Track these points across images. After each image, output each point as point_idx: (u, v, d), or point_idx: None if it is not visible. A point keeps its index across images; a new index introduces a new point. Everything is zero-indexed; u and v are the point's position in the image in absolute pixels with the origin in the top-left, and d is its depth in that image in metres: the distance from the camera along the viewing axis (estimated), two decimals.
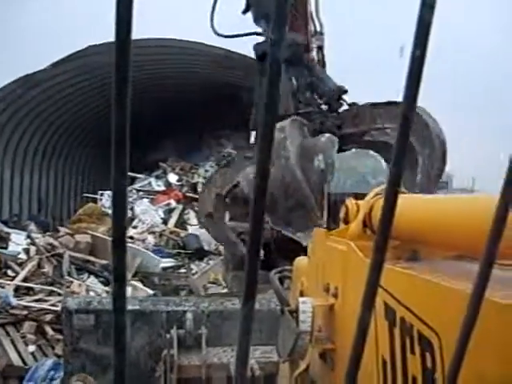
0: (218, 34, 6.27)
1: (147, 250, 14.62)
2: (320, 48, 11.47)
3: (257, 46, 6.64)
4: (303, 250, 3.28)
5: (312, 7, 10.80)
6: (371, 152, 11.58)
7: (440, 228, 1.86)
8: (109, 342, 4.92)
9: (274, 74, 0.56)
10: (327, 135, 6.32)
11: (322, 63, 11.63)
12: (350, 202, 2.60)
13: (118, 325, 0.66)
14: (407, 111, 0.58)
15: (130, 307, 4.95)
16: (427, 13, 0.59)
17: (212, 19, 6.18)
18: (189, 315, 4.85)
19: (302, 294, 2.93)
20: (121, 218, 0.61)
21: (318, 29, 11.18)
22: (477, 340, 0.85)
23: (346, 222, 2.60)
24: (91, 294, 10.79)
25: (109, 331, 4.81)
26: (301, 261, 3.43)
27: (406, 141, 0.60)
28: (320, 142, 6.28)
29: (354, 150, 11.94)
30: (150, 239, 15.86)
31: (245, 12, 6.23)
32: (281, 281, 3.66)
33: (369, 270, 0.70)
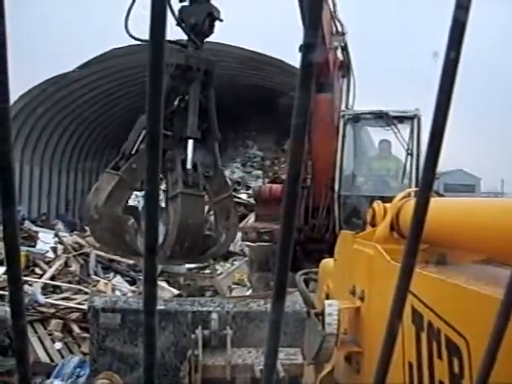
0: (133, 37, 6.42)
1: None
2: (344, 48, 11.39)
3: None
4: (329, 253, 3.28)
5: (331, 7, 10.75)
6: (394, 154, 11.53)
7: (470, 231, 1.83)
8: (135, 341, 4.96)
9: (306, 77, 0.56)
10: None
11: (347, 62, 11.55)
12: (378, 205, 2.58)
13: (148, 327, 0.66)
14: (441, 115, 0.58)
15: None
16: (462, 13, 0.58)
17: (127, 19, 6.36)
18: (214, 316, 4.86)
19: (327, 297, 2.92)
20: (153, 222, 0.62)
21: (340, 29, 11.13)
22: (507, 346, 0.83)
23: (373, 224, 2.59)
24: (117, 293, 10.87)
25: (135, 330, 4.85)
26: (327, 263, 3.42)
27: (440, 144, 0.59)
28: None
29: (376, 152, 11.91)
30: None
31: (178, 25, 6.50)
32: (306, 283, 3.65)
33: (399, 274, 0.70)
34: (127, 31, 6.30)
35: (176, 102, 6.58)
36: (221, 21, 6.68)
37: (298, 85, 0.56)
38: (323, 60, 9.80)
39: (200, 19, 6.41)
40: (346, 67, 11.49)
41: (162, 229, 6.79)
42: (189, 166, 6.43)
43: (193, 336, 4.72)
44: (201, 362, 4.47)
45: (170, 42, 6.45)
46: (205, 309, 5.01)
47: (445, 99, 0.57)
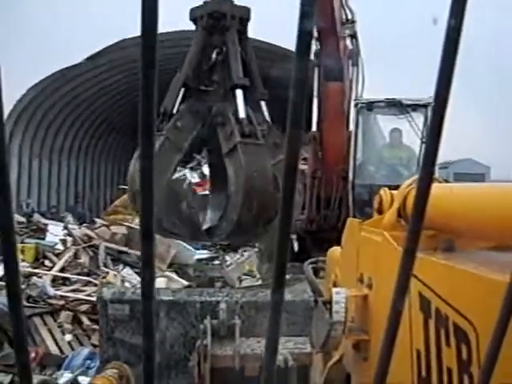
0: None
1: (182, 241, 14.70)
2: (353, 36, 11.31)
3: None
4: (338, 241, 3.26)
5: None
6: (405, 143, 11.47)
7: (478, 217, 1.81)
8: None
9: (303, 47, 0.54)
10: None
11: (357, 51, 11.47)
12: (384, 192, 2.56)
13: (146, 311, 0.65)
14: (442, 91, 0.56)
15: (164, 298, 4.96)
16: None
17: None
18: (222, 306, 4.86)
19: (335, 285, 2.91)
20: (149, 206, 0.60)
21: (349, 16, 11.03)
22: None
23: (380, 212, 2.57)
24: (126, 284, 10.89)
25: None
26: (334, 251, 3.41)
27: (441, 126, 0.57)
28: None
29: (387, 141, 11.85)
30: None
31: None
32: (315, 271, 3.64)
33: (402, 257, 0.68)
34: None
35: (214, 56, 5.93)
36: None
37: (295, 55, 0.54)
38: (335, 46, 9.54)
39: None
40: (355, 56, 11.41)
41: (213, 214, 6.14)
42: (242, 115, 5.60)
43: (201, 326, 4.73)
44: (210, 352, 4.48)
45: None
46: (213, 299, 5.02)
47: (446, 75, 0.55)
